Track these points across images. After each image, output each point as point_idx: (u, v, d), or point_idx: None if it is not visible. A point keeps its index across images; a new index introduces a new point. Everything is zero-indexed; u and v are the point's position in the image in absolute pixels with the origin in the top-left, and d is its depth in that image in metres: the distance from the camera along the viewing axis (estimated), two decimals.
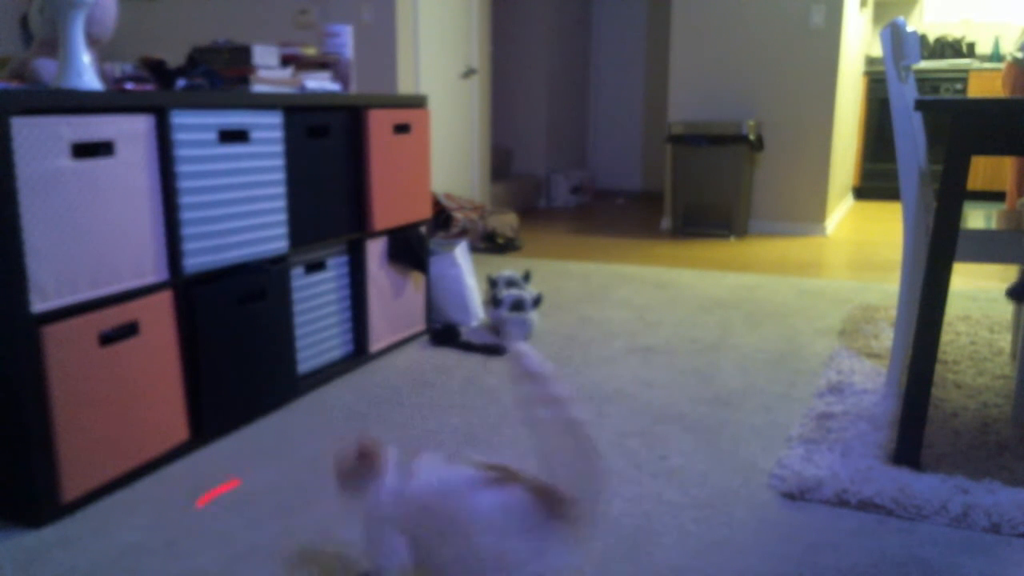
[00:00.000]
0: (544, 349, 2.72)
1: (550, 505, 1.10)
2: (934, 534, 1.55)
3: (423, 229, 2.82)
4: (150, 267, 1.79)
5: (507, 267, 4.05)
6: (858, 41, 5.94)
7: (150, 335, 1.78)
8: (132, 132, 1.72)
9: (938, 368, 2.46)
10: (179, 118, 1.83)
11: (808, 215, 5.09)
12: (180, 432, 1.89)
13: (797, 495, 1.69)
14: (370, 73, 4.56)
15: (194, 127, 1.87)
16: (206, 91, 2.00)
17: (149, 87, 2.03)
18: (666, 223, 5.36)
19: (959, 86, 6.30)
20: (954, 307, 3.22)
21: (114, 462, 1.72)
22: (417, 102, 2.76)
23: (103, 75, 2.03)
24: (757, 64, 5.02)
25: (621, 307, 3.27)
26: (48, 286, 1.56)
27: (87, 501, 1.67)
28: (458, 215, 4.49)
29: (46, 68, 1.93)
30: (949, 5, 6.64)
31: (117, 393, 1.70)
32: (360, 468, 1.24)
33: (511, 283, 3.04)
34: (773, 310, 3.21)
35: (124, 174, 1.71)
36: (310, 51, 2.49)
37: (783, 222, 5.15)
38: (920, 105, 1.68)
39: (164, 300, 1.82)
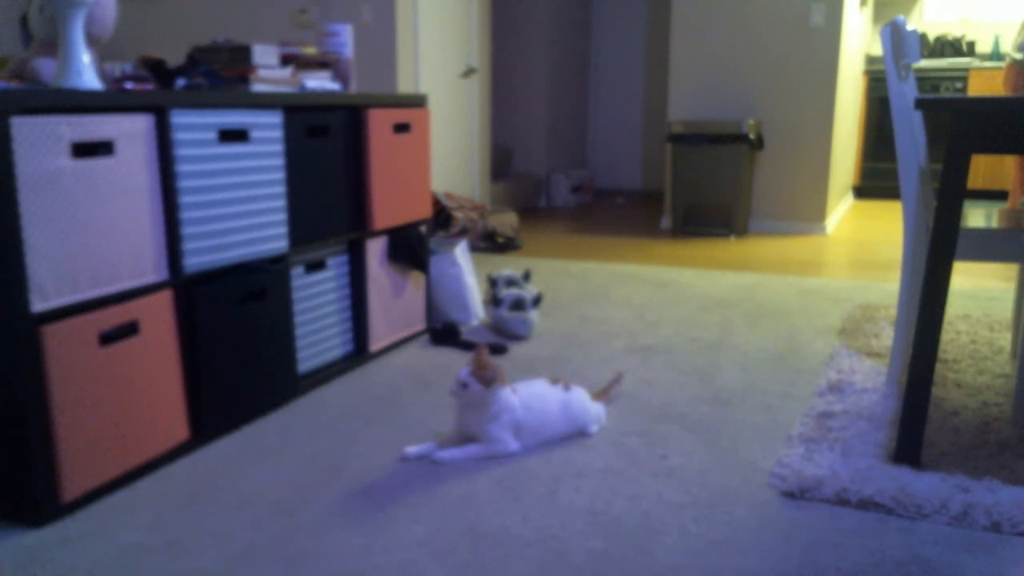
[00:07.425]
0: (544, 349, 2.72)
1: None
2: (934, 533, 1.55)
3: (423, 228, 2.82)
4: (150, 267, 1.79)
5: (507, 266, 4.05)
6: (858, 40, 5.94)
7: (150, 335, 1.78)
8: (132, 132, 1.72)
9: (938, 367, 2.46)
10: (179, 118, 1.83)
11: (808, 214, 5.09)
12: (180, 432, 1.89)
13: (797, 494, 1.69)
14: (370, 73, 4.56)
15: (194, 127, 1.87)
16: (206, 91, 2.00)
17: (149, 87, 2.03)
18: (666, 222, 5.36)
19: (959, 85, 6.30)
20: (954, 306, 3.22)
21: (114, 462, 1.72)
22: (417, 101, 2.76)
23: (103, 75, 2.03)
24: (757, 64, 5.02)
25: (621, 306, 3.27)
26: (48, 286, 1.56)
27: (87, 501, 1.67)
28: (458, 214, 4.49)
29: (46, 68, 1.93)
30: (949, 4, 6.63)
31: (117, 393, 1.70)
32: (489, 378, 1.86)
33: (511, 282, 3.04)
34: (773, 309, 3.21)
35: (124, 174, 1.71)
36: (310, 51, 2.49)
37: (783, 221, 5.15)
38: (920, 104, 1.68)
39: (164, 300, 1.82)
